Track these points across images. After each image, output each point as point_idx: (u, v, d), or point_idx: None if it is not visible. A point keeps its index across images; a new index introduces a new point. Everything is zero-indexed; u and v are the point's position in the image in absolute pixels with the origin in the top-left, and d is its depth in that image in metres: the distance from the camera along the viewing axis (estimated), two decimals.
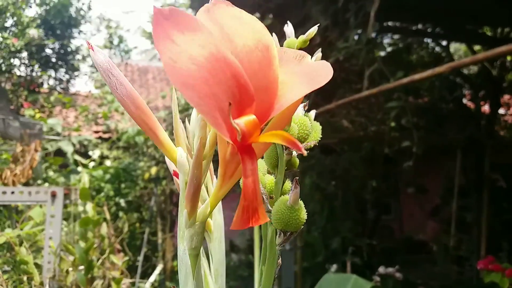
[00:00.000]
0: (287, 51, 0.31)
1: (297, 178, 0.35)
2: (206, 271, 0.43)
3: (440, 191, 5.10)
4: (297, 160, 0.40)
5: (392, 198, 6.12)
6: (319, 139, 0.40)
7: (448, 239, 4.45)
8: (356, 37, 2.87)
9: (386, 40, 4.64)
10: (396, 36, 4.74)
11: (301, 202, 0.35)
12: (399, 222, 6.04)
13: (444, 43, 4.57)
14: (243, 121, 0.25)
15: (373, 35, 3.07)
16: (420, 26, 4.22)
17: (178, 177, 0.38)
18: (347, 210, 4.76)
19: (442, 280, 4.40)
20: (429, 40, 4.70)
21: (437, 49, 4.74)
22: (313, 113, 0.42)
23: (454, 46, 5.99)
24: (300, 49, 0.42)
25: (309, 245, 4.14)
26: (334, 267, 3.60)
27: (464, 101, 4.65)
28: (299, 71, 0.29)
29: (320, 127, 0.41)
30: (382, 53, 4.36)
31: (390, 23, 4.03)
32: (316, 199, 4.62)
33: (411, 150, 3.22)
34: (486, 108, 4.70)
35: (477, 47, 4.55)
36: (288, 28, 0.45)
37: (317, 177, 4.65)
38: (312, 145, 0.39)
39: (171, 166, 0.41)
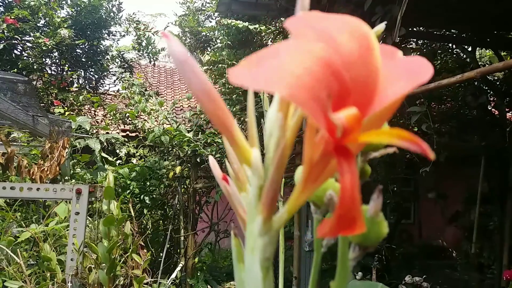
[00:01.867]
0: (381, 47, 0.27)
1: (381, 187, 0.31)
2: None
3: (461, 198, 5.06)
4: (369, 168, 0.36)
5: (412, 203, 6.09)
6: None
7: (469, 245, 4.42)
8: (381, 42, 2.89)
9: (411, 45, 4.63)
10: (421, 41, 4.73)
11: (381, 214, 0.32)
12: (418, 227, 6.01)
13: (469, 48, 4.54)
14: (344, 115, 0.22)
15: (398, 39, 3.09)
16: (446, 31, 4.20)
17: (226, 181, 0.36)
18: None
19: (463, 287, 4.37)
20: (454, 46, 4.66)
21: (463, 54, 4.70)
22: None
23: (480, 52, 5.93)
24: None
25: (328, 247, 4.15)
26: (360, 274, 3.60)
27: (489, 107, 4.60)
28: (396, 66, 0.26)
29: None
30: None
31: (415, 29, 4.03)
32: None
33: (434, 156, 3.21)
34: (511, 115, 4.64)
35: (503, 53, 4.50)
36: (380, 26, 0.40)
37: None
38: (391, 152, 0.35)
39: (216, 169, 0.39)
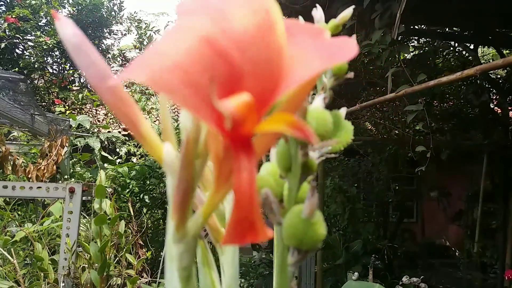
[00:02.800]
0: (299, 24, 0.24)
1: (314, 184, 0.28)
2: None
3: (464, 196, 5.03)
4: (314, 163, 0.32)
5: (415, 201, 6.06)
6: (351, 140, 0.34)
7: (472, 244, 4.39)
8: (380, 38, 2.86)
9: (413, 43, 4.60)
10: (422, 40, 4.69)
11: (318, 214, 0.28)
12: (421, 225, 5.98)
13: (471, 46, 4.50)
14: (233, 103, 0.19)
15: (399, 37, 3.06)
16: (447, 29, 4.16)
17: None
18: (369, 213, 4.74)
19: (465, 286, 4.34)
20: (456, 44, 4.63)
21: (464, 53, 4.66)
22: (343, 110, 0.35)
23: (482, 50, 5.88)
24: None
25: (330, 246, 4.14)
26: (356, 275, 3.58)
27: (491, 105, 4.57)
28: (315, 45, 0.22)
29: (352, 127, 0.34)
30: (408, 56, 4.33)
31: (416, 26, 4.00)
32: (338, 201, 4.62)
33: (435, 154, 3.19)
34: None
35: (506, 51, 4.46)
36: (317, 12, 0.38)
37: (340, 179, 4.64)
38: (334, 146, 0.32)
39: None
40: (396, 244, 4.73)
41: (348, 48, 0.21)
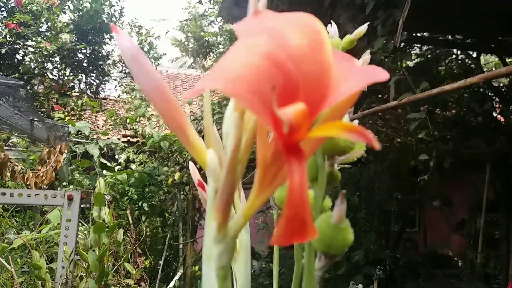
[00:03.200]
0: (335, 51, 0.26)
1: (344, 191, 0.30)
2: None
3: (467, 205, 4.99)
4: (339, 173, 0.35)
5: (417, 210, 6.02)
6: (365, 150, 0.36)
7: (475, 254, 4.34)
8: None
9: (415, 51, 4.58)
10: (425, 47, 4.68)
11: (347, 220, 0.30)
12: (423, 235, 5.93)
13: (474, 54, 4.48)
14: (291, 110, 0.21)
15: (402, 45, 3.04)
16: (450, 37, 4.15)
17: (202, 187, 0.35)
18: (371, 222, 4.70)
19: None
20: (459, 52, 4.62)
21: (467, 60, 4.65)
22: (356, 122, 0.37)
23: (485, 58, 5.88)
24: (347, 51, 0.39)
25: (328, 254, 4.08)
26: (360, 286, 3.53)
27: (494, 114, 4.55)
28: (352, 67, 0.26)
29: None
30: (411, 64, 4.31)
31: (419, 34, 3.98)
32: None
33: (437, 162, 3.15)
34: None
35: (508, 59, 4.44)
36: (332, 28, 0.40)
37: (341, 187, 4.60)
38: (349, 157, 0.35)
39: (195, 175, 0.37)
40: (398, 253, 4.69)
41: (380, 72, 0.24)
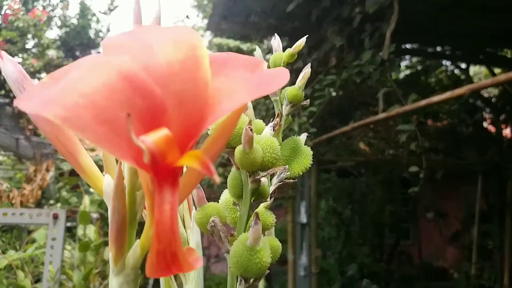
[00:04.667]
0: (238, 57, 0.25)
1: (258, 212, 0.29)
2: None
3: (461, 216, 4.97)
4: (267, 189, 0.34)
5: (411, 223, 5.99)
6: (309, 166, 0.35)
7: (470, 266, 4.31)
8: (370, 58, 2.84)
9: (404, 63, 4.59)
10: (414, 59, 4.69)
11: (265, 241, 0.29)
12: (418, 247, 5.89)
13: (463, 65, 4.50)
14: (151, 138, 0.19)
15: (390, 56, 3.03)
16: (438, 48, 4.17)
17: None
18: (364, 235, 4.65)
19: None
20: (448, 63, 4.64)
21: (456, 71, 4.67)
22: (304, 136, 0.37)
23: (474, 69, 5.91)
24: (287, 64, 0.39)
25: (325, 271, 4.04)
26: None
27: (485, 124, 4.56)
28: (247, 77, 0.23)
29: (311, 152, 0.36)
30: (400, 75, 4.31)
31: (408, 46, 3.99)
32: (332, 223, 4.53)
33: (429, 174, 3.13)
34: (507, 131, 4.59)
35: (497, 70, 4.47)
36: (275, 41, 0.40)
37: (334, 201, 4.57)
38: (286, 172, 0.33)
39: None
40: (393, 267, 4.64)
41: (279, 79, 0.22)
